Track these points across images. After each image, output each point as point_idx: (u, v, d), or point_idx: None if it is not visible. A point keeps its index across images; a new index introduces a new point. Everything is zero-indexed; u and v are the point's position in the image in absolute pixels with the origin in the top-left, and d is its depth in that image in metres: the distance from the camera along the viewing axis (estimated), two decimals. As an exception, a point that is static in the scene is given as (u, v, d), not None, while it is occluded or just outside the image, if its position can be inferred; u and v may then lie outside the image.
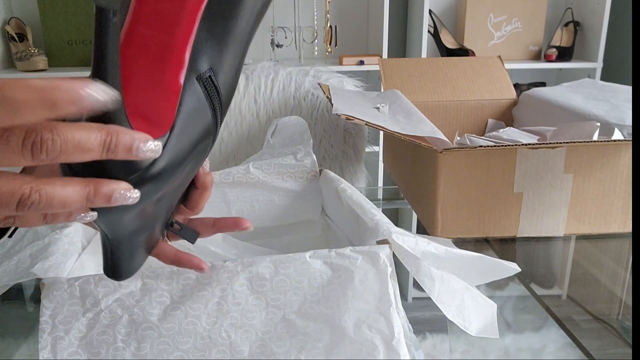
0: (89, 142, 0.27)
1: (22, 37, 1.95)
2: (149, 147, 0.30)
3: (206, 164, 0.41)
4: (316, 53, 2.08)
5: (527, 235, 0.75)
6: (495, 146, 0.70)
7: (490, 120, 1.09)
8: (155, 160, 0.32)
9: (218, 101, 0.37)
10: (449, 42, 2.13)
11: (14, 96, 0.25)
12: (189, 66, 0.35)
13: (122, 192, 0.30)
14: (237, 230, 0.44)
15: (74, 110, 0.26)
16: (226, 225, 0.44)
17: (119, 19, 0.32)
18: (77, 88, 0.26)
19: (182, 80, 0.34)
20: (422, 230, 0.79)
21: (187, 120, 0.35)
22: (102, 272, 0.42)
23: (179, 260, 0.42)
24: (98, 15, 0.28)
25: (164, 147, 0.32)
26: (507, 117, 1.09)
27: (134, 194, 0.30)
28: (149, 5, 0.34)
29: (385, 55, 1.96)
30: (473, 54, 2.08)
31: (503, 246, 0.75)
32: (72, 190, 0.28)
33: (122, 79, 0.32)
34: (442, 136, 0.71)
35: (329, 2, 2.01)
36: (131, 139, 0.29)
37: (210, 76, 0.36)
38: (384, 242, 0.46)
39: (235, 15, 0.36)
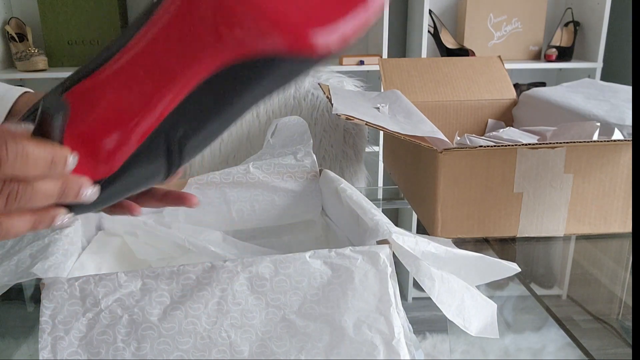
0: (51, 192, 0.34)
1: (22, 37, 1.95)
2: (89, 194, 0.36)
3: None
4: (316, 53, 2.08)
5: (527, 235, 0.75)
6: (495, 146, 0.71)
7: (490, 120, 1.09)
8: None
9: (178, 160, 0.37)
10: (449, 42, 2.13)
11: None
12: (161, 124, 0.35)
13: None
14: (183, 206, 0.45)
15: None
16: (173, 199, 0.46)
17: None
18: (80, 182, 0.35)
19: (143, 137, 0.36)
20: (422, 230, 0.79)
21: (136, 170, 0.37)
22: (102, 272, 0.42)
23: (167, 198, 0.43)
24: (44, 116, 0.33)
25: (106, 184, 0.36)
26: (507, 117, 1.09)
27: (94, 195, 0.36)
28: (154, 51, 0.34)
29: (385, 55, 1.96)
30: (473, 54, 2.08)
31: (503, 246, 0.75)
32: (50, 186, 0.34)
33: (90, 106, 0.33)
34: (442, 136, 0.71)
35: (329, 2, 2.01)
36: (78, 187, 0.35)
37: (179, 140, 0.37)
38: (384, 242, 0.46)
39: (228, 106, 0.35)
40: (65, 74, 1.85)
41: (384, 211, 0.57)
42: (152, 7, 0.35)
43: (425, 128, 0.74)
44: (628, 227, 0.75)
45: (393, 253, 0.45)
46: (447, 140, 0.71)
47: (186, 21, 0.33)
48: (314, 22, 0.33)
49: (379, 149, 1.92)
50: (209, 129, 0.36)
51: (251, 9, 0.31)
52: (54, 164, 0.33)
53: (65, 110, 0.34)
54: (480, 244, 0.75)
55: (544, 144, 0.71)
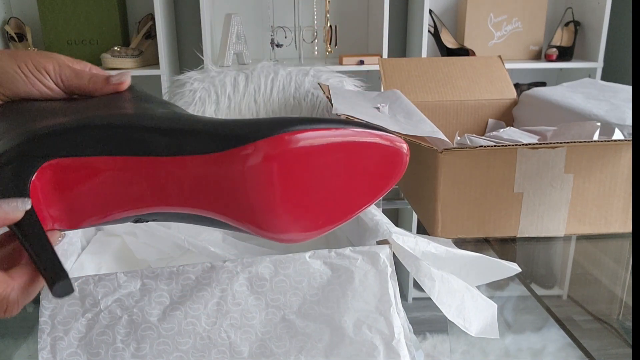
0: None
1: (21, 37, 1.95)
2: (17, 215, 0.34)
3: None
4: (316, 53, 2.08)
5: (527, 236, 0.75)
6: (495, 146, 0.70)
7: (490, 120, 1.09)
8: None
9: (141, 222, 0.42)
10: (449, 42, 2.13)
11: None
12: (138, 215, 0.39)
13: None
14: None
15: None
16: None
17: None
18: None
19: (116, 218, 0.41)
20: (422, 230, 0.79)
21: None
22: (101, 272, 0.42)
23: None
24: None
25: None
26: (507, 117, 1.09)
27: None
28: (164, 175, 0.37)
29: (385, 55, 1.96)
30: (473, 53, 2.08)
31: (503, 246, 0.75)
32: None
33: (70, 184, 0.36)
34: (442, 136, 0.71)
35: (329, 2, 2.01)
36: (4, 216, 0.33)
37: (150, 219, 0.41)
38: (384, 242, 0.46)
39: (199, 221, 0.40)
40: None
41: (384, 211, 0.57)
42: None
43: (426, 128, 0.74)
44: (628, 227, 0.75)
45: (393, 253, 0.45)
46: (447, 140, 0.71)
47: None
48: (295, 230, 0.39)
49: (379, 149, 1.92)
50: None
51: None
52: None
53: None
54: (480, 244, 0.75)
55: (544, 144, 0.71)
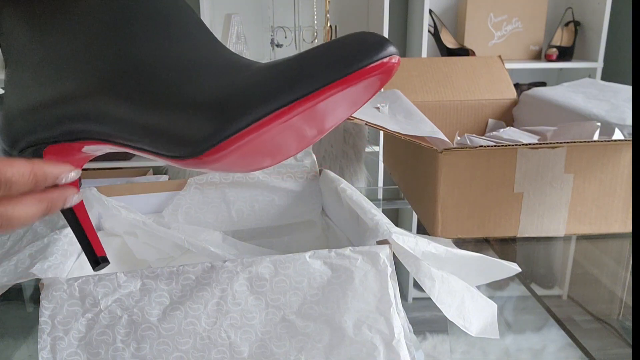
0: (33, 217, 0.35)
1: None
2: (74, 200, 0.38)
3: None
4: (316, 53, 2.08)
5: (527, 236, 0.75)
6: (495, 146, 0.70)
7: (490, 120, 1.09)
8: None
9: None
10: (449, 42, 2.13)
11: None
12: None
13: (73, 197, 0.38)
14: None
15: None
16: None
17: None
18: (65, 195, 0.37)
19: None
20: (422, 230, 0.79)
21: None
22: (101, 272, 0.42)
23: None
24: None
25: None
26: (507, 117, 1.09)
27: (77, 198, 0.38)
28: None
29: (385, 55, 1.95)
30: (473, 53, 2.08)
31: (503, 246, 0.75)
32: (32, 210, 0.35)
33: None
34: (442, 136, 0.71)
35: (329, 2, 2.01)
36: (63, 200, 0.37)
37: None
38: (384, 242, 0.46)
39: None
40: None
41: (384, 211, 0.57)
42: None
43: (426, 128, 0.74)
44: (628, 227, 0.75)
45: (393, 253, 0.45)
46: (447, 140, 0.71)
47: None
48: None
49: (379, 149, 1.92)
50: None
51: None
52: (36, 180, 0.34)
53: None
54: (480, 244, 0.75)
55: (544, 144, 0.71)
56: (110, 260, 0.42)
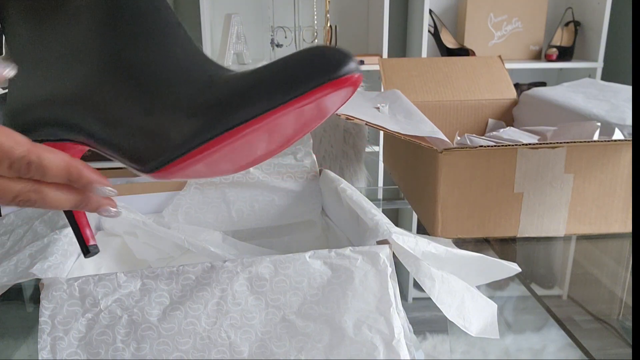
0: (64, 204, 0.37)
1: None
2: (111, 212, 0.39)
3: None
4: (316, 53, 2.07)
5: (527, 236, 0.75)
6: (495, 146, 0.70)
7: (490, 120, 1.09)
8: None
9: None
10: (449, 42, 2.13)
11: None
12: None
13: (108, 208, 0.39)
14: None
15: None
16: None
17: None
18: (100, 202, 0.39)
19: None
20: (422, 230, 0.79)
21: None
22: (101, 272, 0.42)
23: None
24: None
25: None
26: (507, 117, 1.09)
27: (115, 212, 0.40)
28: None
29: (385, 55, 1.96)
30: (473, 53, 2.08)
31: (503, 246, 0.75)
32: (66, 197, 0.37)
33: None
34: (442, 136, 0.71)
35: (329, 2, 2.01)
36: (97, 205, 0.39)
37: None
38: (384, 242, 0.46)
39: None
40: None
41: (384, 211, 0.57)
42: None
43: (426, 128, 0.74)
44: (628, 227, 0.75)
45: (393, 253, 0.45)
46: (447, 140, 0.71)
47: None
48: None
49: (379, 149, 1.92)
50: None
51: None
52: (69, 175, 0.36)
53: None
54: (480, 244, 0.75)
55: (544, 144, 0.71)
56: (110, 260, 0.42)
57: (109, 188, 0.38)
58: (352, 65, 0.33)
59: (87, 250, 0.42)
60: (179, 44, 0.40)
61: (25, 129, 0.40)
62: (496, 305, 0.49)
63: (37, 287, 0.44)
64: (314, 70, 0.33)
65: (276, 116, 0.34)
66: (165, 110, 0.36)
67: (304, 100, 0.33)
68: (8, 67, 0.39)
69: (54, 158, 0.35)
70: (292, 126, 0.37)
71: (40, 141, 0.40)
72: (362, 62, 1.94)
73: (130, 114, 0.37)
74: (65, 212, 0.42)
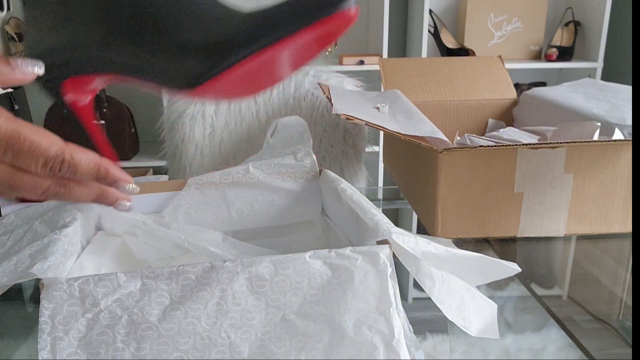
0: (87, 197, 0.40)
1: (21, 37, 1.94)
2: (126, 206, 0.44)
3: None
4: (316, 53, 2.07)
5: (527, 236, 0.75)
6: (495, 146, 0.70)
7: (490, 120, 1.09)
8: None
9: None
10: (449, 42, 2.13)
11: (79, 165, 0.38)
12: None
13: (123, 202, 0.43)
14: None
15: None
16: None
17: None
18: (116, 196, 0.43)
19: None
20: (422, 230, 0.79)
21: None
22: (101, 272, 0.42)
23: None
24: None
25: None
26: (507, 117, 1.09)
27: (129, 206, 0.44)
28: None
29: (385, 55, 1.96)
30: (473, 53, 2.08)
31: (503, 246, 0.75)
32: (88, 191, 0.40)
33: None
34: (442, 136, 0.71)
35: (329, 2, 2.00)
36: (114, 199, 0.42)
37: None
38: (384, 242, 0.46)
39: None
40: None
41: (384, 211, 0.57)
42: None
43: (426, 128, 0.74)
44: (628, 227, 0.75)
45: (393, 253, 0.45)
46: (447, 140, 0.71)
47: None
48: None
49: (379, 149, 1.92)
50: None
51: None
52: (98, 174, 0.39)
53: None
54: (480, 244, 0.75)
55: (544, 144, 0.71)
56: (110, 260, 0.43)
57: (133, 185, 0.41)
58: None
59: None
60: None
61: (54, 67, 0.45)
62: (496, 305, 0.49)
63: (37, 287, 0.44)
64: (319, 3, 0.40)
65: (289, 42, 0.41)
66: (199, 39, 0.43)
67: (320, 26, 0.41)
68: (37, 65, 0.41)
69: (85, 158, 0.38)
70: (304, 52, 0.43)
71: (67, 77, 0.46)
72: (362, 62, 1.94)
73: (168, 41, 0.43)
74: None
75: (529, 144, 0.71)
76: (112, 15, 0.43)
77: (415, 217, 0.89)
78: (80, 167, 0.38)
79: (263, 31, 0.41)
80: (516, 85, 2.15)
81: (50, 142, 0.37)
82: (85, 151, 0.38)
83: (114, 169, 0.40)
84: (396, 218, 0.96)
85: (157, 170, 1.99)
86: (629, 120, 0.78)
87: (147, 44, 0.43)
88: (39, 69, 0.41)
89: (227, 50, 0.42)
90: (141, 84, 0.46)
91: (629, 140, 0.70)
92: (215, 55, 0.42)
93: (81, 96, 0.49)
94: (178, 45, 0.43)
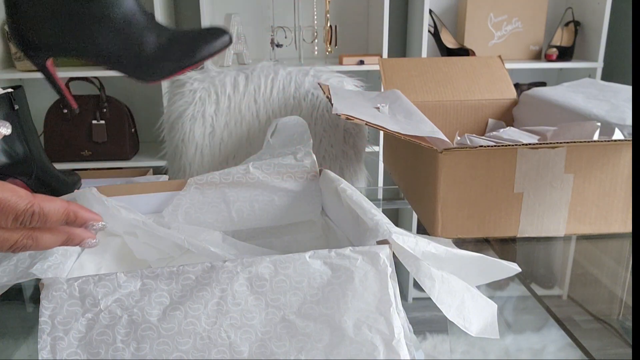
0: (54, 244, 0.41)
1: (22, 37, 1.94)
2: (91, 243, 0.44)
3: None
4: (316, 53, 2.08)
5: (527, 236, 0.75)
6: (495, 146, 0.70)
7: (490, 120, 1.09)
8: None
9: None
10: (449, 42, 2.13)
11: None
12: None
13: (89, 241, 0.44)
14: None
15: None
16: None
17: None
18: (83, 236, 0.43)
19: None
20: (422, 230, 0.79)
21: None
22: (101, 272, 0.42)
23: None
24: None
25: None
26: (507, 117, 1.09)
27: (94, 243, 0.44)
28: None
29: (385, 55, 1.96)
30: (473, 53, 2.08)
31: (503, 246, 0.75)
32: (55, 238, 0.41)
33: None
34: (442, 136, 0.71)
35: (329, 2, 2.01)
36: (80, 240, 0.43)
37: None
38: (384, 242, 0.46)
39: None
40: (64, 74, 1.85)
41: (384, 211, 0.57)
42: None
43: (426, 128, 0.74)
44: (628, 227, 0.75)
45: (393, 253, 0.45)
46: (447, 140, 0.71)
47: None
48: None
49: (379, 149, 1.92)
50: None
51: None
52: (67, 219, 0.40)
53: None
54: (480, 244, 0.75)
55: (544, 144, 0.71)
56: (110, 260, 0.43)
57: (102, 223, 0.43)
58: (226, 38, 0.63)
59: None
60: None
61: (36, 49, 0.60)
62: (496, 305, 0.49)
63: (37, 287, 0.44)
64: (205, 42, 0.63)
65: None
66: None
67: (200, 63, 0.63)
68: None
69: (53, 206, 0.39)
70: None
71: (48, 57, 0.61)
72: (362, 62, 1.94)
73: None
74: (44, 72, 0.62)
75: (529, 144, 0.71)
76: (55, 28, 0.59)
77: (415, 217, 0.89)
78: (50, 216, 0.39)
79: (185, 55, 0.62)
80: (516, 85, 2.15)
81: (19, 197, 0.38)
82: (53, 199, 0.40)
83: (82, 210, 0.41)
84: (396, 218, 0.96)
85: (157, 170, 1.99)
86: (629, 120, 0.78)
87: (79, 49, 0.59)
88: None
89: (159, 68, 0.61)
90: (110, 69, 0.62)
91: (629, 140, 0.70)
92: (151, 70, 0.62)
93: (52, 63, 0.63)
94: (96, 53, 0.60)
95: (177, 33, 0.62)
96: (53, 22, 0.58)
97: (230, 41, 0.63)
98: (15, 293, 0.66)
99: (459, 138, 0.81)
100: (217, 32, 0.62)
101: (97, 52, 0.60)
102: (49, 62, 0.62)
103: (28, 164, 0.83)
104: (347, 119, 0.70)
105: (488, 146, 0.70)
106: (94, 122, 1.93)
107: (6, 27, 1.94)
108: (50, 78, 0.63)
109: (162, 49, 0.60)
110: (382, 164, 1.37)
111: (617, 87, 0.95)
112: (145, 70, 0.61)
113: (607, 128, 0.78)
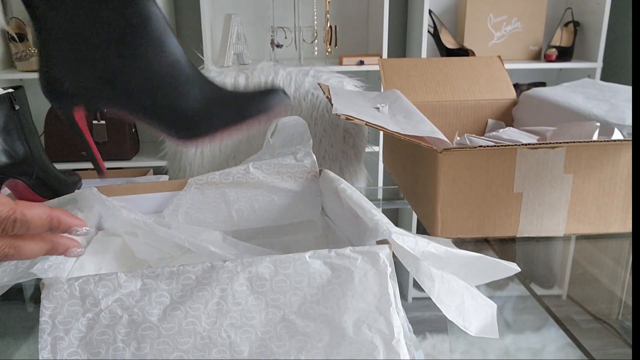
0: (37, 253, 0.40)
1: (22, 37, 1.94)
2: (76, 252, 0.43)
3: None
4: (316, 53, 2.08)
5: (527, 236, 0.75)
6: (495, 146, 0.71)
7: (490, 120, 1.09)
8: None
9: None
10: (449, 42, 2.13)
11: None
12: None
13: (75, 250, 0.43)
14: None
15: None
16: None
17: None
18: (68, 245, 0.42)
19: None
20: (422, 230, 0.79)
21: None
22: (102, 272, 0.42)
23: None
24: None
25: None
26: (507, 117, 1.09)
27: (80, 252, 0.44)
28: None
29: (385, 55, 1.96)
30: (473, 54, 2.08)
31: (503, 246, 0.75)
32: (38, 247, 0.40)
33: None
34: (442, 136, 0.71)
35: (329, 2, 2.01)
36: (65, 249, 0.42)
37: None
38: (383, 242, 0.46)
39: None
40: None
41: (384, 211, 0.57)
42: None
43: (425, 128, 0.74)
44: (628, 227, 0.75)
45: (393, 253, 0.45)
46: (447, 140, 0.72)
47: None
48: None
49: (379, 149, 1.92)
50: None
51: None
52: (51, 225, 0.40)
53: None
54: (480, 244, 0.75)
55: (543, 144, 0.71)
56: (110, 260, 0.43)
57: (86, 228, 0.42)
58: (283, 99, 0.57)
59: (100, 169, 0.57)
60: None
61: (63, 96, 0.54)
62: (496, 305, 0.49)
63: (37, 287, 0.44)
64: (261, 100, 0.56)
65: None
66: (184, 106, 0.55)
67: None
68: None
69: (36, 212, 0.39)
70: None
71: (77, 106, 0.55)
72: (362, 62, 1.94)
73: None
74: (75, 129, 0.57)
75: (529, 144, 0.71)
76: (87, 73, 0.53)
77: (415, 217, 0.89)
78: (33, 223, 0.39)
79: (225, 114, 0.55)
80: (516, 86, 2.15)
81: (0, 204, 0.37)
82: (35, 206, 0.39)
83: (66, 216, 0.41)
84: (396, 218, 0.96)
85: (157, 170, 1.99)
86: (628, 121, 0.78)
87: (132, 101, 0.53)
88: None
89: (199, 124, 0.54)
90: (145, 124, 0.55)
91: (628, 140, 0.70)
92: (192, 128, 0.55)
93: (84, 118, 0.58)
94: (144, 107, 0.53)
95: (224, 90, 0.55)
96: (84, 66, 0.52)
97: (285, 97, 0.56)
98: (15, 293, 0.66)
99: (458, 138, 0.81)
100: (269, 91, 0.56)
101: (131, 103, 0.53)
102: (79, 115, 0.56)
103: (28, 164, 0.84)
104: (347, 119, 0.70)
105: (488, 146, 0.70)
106: (95, 122, 1.93)
107: (8, 29, 1.94)
108: (80, 134, 0.57)
109: (207, 105, 0.53)
110: (382, 164, 1.37)
111: (617, 87, 0.95)
112: (185, 127, 0.53)
113: (607, 128, 0.78)
